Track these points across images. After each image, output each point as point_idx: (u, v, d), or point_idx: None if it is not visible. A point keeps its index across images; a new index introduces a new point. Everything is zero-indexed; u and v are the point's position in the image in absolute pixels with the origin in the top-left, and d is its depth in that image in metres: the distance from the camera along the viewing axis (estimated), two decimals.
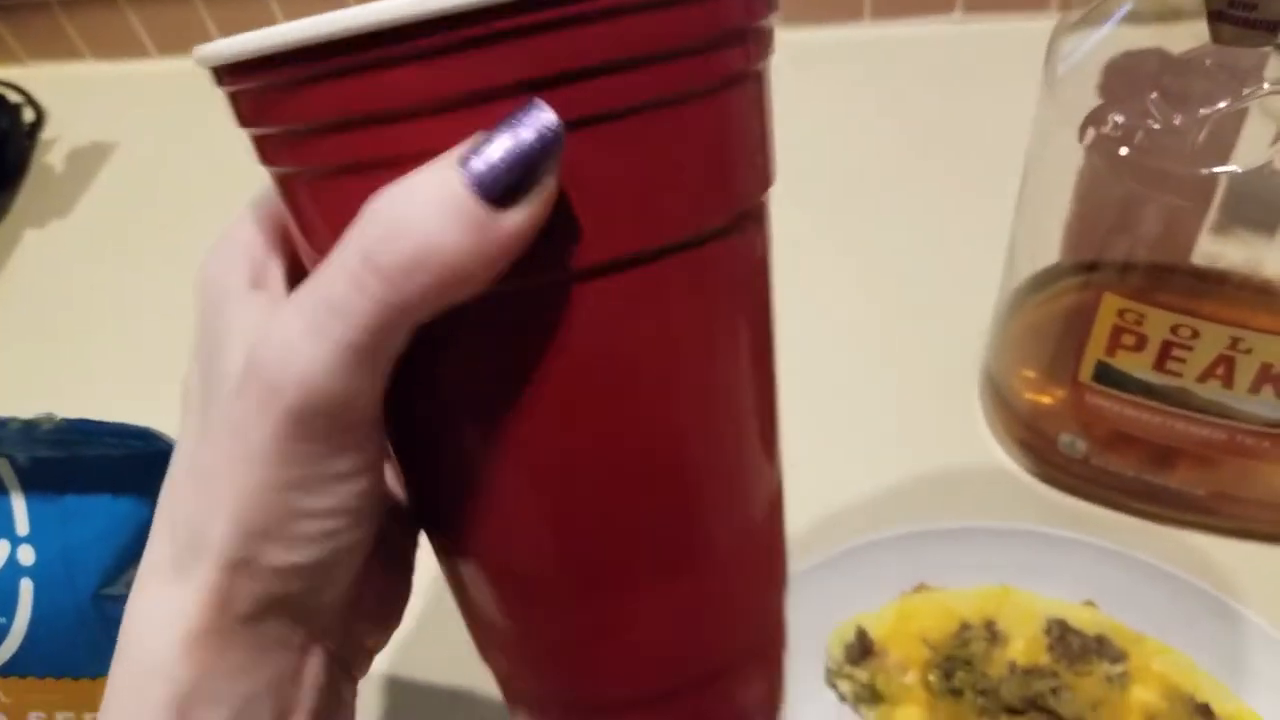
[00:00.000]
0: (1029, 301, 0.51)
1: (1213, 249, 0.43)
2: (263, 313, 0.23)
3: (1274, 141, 0.37)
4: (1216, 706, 0.43)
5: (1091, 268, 0.46)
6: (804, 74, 0.75)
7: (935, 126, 0.70)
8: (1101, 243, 0.45)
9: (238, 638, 0.23)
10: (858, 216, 0.66)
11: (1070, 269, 0.48)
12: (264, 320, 0.22)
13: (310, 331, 0.20)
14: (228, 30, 0.83)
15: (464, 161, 0.19)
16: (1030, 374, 0.51)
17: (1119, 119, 0.38)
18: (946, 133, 0.69)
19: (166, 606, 0.23)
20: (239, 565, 0.22)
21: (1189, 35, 0.38)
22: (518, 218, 0.19)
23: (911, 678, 0.45)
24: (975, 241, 0.61)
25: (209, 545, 0.22)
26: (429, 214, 0.19)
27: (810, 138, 0.71)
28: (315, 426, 0.21)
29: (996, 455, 0.54)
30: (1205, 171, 0.37)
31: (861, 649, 0.46)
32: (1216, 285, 0.43)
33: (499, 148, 0.19)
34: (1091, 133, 0.39)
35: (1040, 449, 0.51)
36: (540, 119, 0.19)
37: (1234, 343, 0.40)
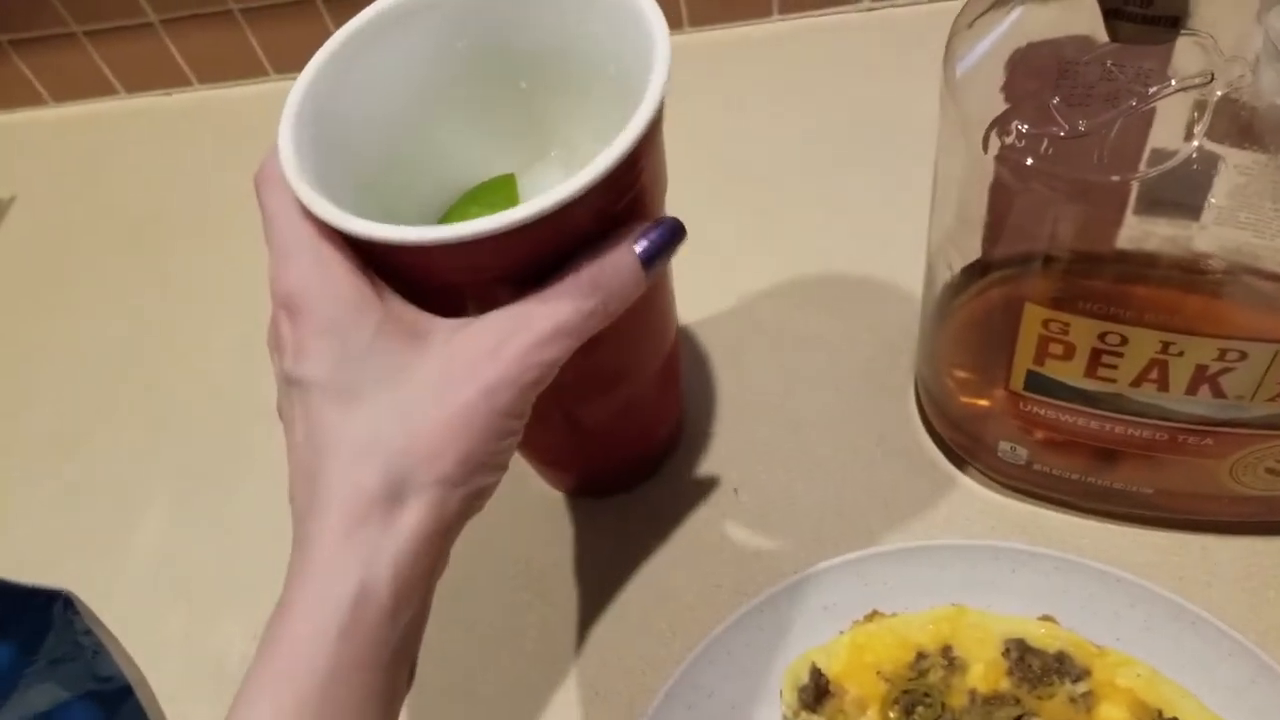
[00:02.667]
0: (955, 300, 0.47)
1: (1139, 230, 0.39)
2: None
3: (1186, 138, 0.33)
4: (1184, 718, 0.40)
5: (1015, 262, 0.43)
6: (717, 74, 0.71)
7: (852, 119, 0.66)
8: (1021, 239, 0.41)
9: (442, 542, 0.31)
10: (780, 216, 0.62)
11: (992, 265, 0.45)
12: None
13: (555, 335, 0.31)
14: (123, 76, 0.78)
15: (637, 245, 0.34)
16: (962, 377, 0.47)
17: (1022, 127, 0.34)
18: (864, 124, 0.65)
19: (382, 530, 0.29)
20: (457, 485, 0.30)
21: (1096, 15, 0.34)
22: (651, 275, 0.34)
23: (871, 716, 0.42)
24: (901, 237, 0.58)
25: (438, 473, 0.30)
26: (626, 277, 0.33)
27: (726, 137, 0.67)
28: (531, 397, 0.32)
29: (938, 461, 0.50)
30: (1115, 179, 0.33)
31: (816, 690, 0.42)
32: (1145, 270, 0.39)
33: (656, 238, 0.34)
34: (995, 142, 0.35)
35: (980, 455, 0.48)
36: (672, 225, 0.35)
37: (1165, 347, 0.37)
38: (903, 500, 0.49)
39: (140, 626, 0.51)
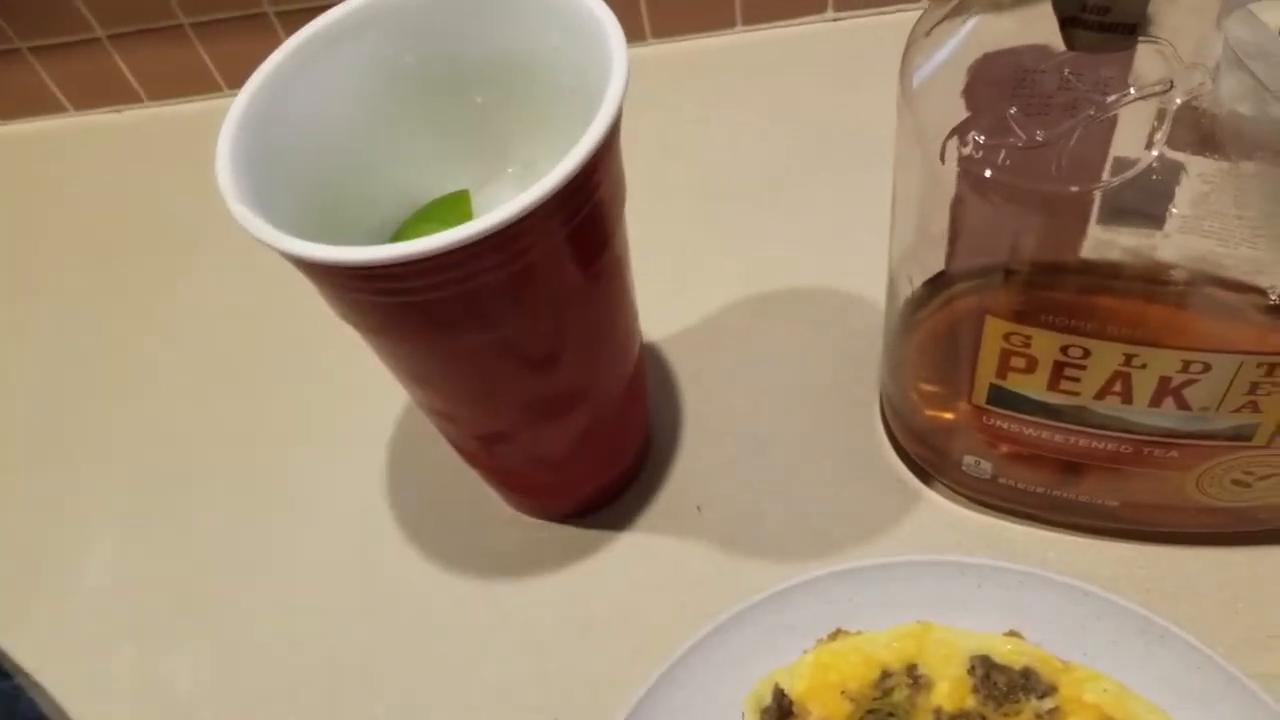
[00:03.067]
0: (918, 314, 0.46)
1: (1103, 237, 0.39)
2: None
3: (1147, 146, 0.32)
4: None
5: (977, 274, 0.42)
6: (679, 86, 0.70)
7: (818, 130, 0.65)
8: (982, 251, 0.41)
9: None
10: (743, 229, 0.61)
11: (954, 278, 0.44)
12: None
13: None
14: (72, 93, 0.76)
15: None
16: (927, 390, 0.47)
17: (979, 138, 0.34)
18: (830, 135, 0.65)
19: None
20: None
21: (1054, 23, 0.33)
22: None
23: None
24: (866, 249, 0.57)
25: None
26: None
27: (689, 149, 0.66)
28: None
29: (903, 475, 0.49)
30: (1075, 189, 0.33)
31: (779, 711, 0.41)
32: (1108, 281, 0.39)
33: None
34: (953, 152, 0.35)
35: (945, 469, 0.47)
36: None
37: (1128, 359, 0.36)
38: (868, 516, 0.48)
39: (88, 661, 0.49)
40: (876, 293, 0.55)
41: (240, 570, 0.51)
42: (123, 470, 0.57)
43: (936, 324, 0.45)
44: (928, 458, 0.48)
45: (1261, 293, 0.34)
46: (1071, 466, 0.43)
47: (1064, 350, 0.36)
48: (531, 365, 0.40)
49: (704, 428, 0.53)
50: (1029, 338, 0.37)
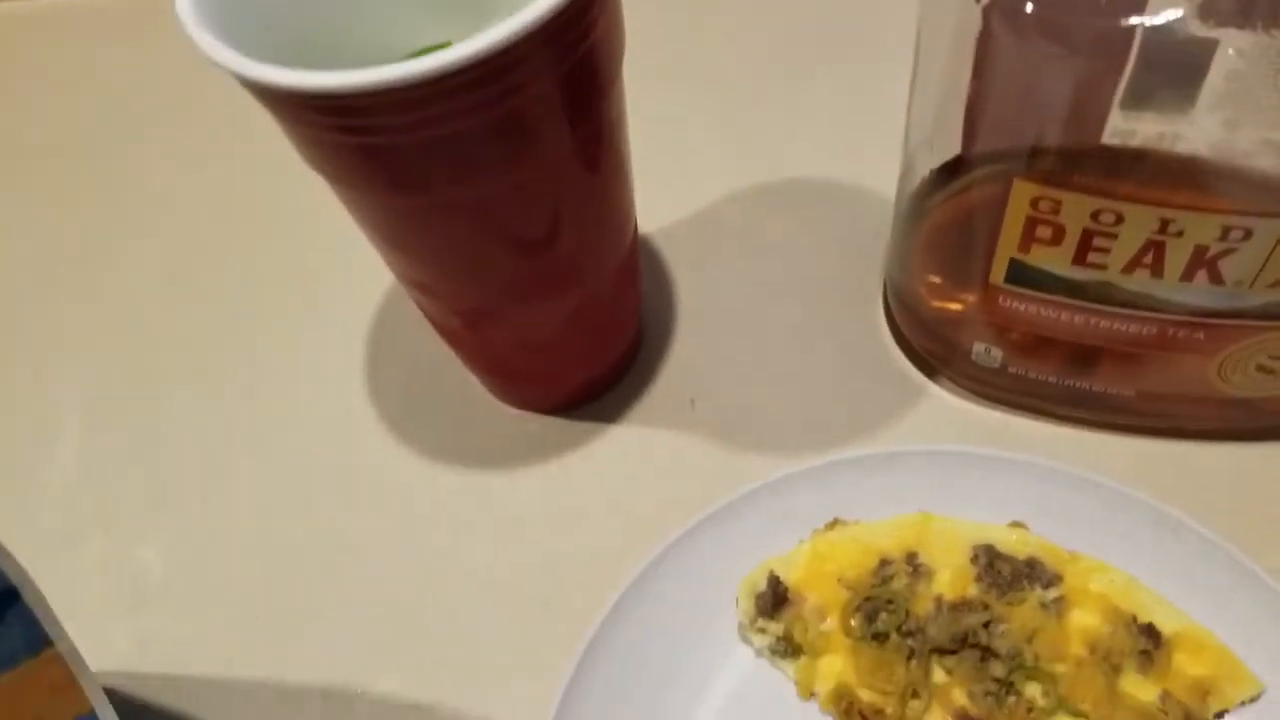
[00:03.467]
0: (930, 201, 0.43)
1: (1124, 126, 0.36)
2: None
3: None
4: (1160, 625, 0.37)
5: (997, 159, 0.39)
6: None
7: (823, 20, 0.62)
8: (1006, 125, 0.38)
9: None
10: (745, 120, 0.58)
11: (974, 161, 0.41)
12: None
13: None
14: None
15: None
16: (936, 280, 0.44)
17: None
18: (835, 25, 0.61)
19: None
20: None
21: None
22: None
23: (831, 624, 0.39)
24: (871, 142, 0.54)
25: None
26: None
27: (692, 39, 0.63)
28: None
29: (906, 369, 0.47)
30: (1120, 23, 0.30)
31: (774, 598, 0.39)
32: (1135, 164, 0.36)
33: None
34: None
35: (953, 360, 0.45)
36: None
37: (1163, 225, 0.33)
38: (869, 410, 0.46)
39: (55, 552, 0.47)
40: (881, 184, 0.52)
41: (214, 461, 0.49)
42: (91, 361, 0.54)
43: (954, 205, 0.42)
44: (934, 350, 0.45)
45: None
46: (1087, 354, 0.40)
47: (1095, 216, 0.34)
48: (517, 234, 0.37)
49: (699, 321, 0.50)
50: (1058, 203, 0.34)
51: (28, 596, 0.31)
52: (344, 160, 0.33)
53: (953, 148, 0.41)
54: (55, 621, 0.33)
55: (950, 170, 0.42)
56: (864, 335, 0.48)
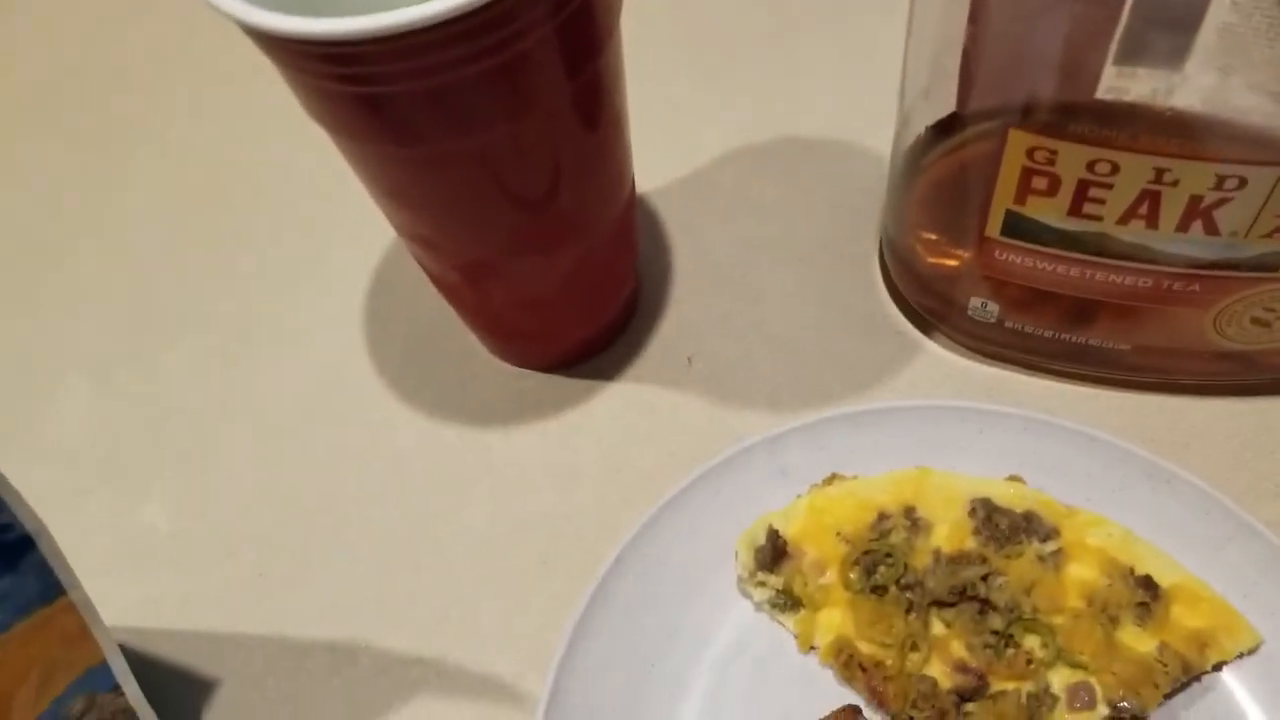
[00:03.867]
0: (926, 158, 0.43)
1: (1118, 83, 0.36)
2: None
3: None
4: (1158, 577, 0.37)
5: (992, 114, 0.39)
6: None
7: None
8: (1002, 80, 0.38)
9: None
10: (739, 79, 0.58)
11: (969, 117, 0.41)
12: None
13: None
14: None
15: None
16: (932, 236, 0.44)
17: None
18: None
19: None
20: None
21: None
22: None
23: (830, 577, 0.39)
24: (865, 100, 0.54)
25: None
26: None
27: None
28: None
29: (902, 327, 0.47)
30: None
31: (774, 552, 0.39)
32: (1129, 116, 0.36)
33: None
34: None
35: (949, 316, 0.44)
36: None
37: (1159, 175, 0.33)
38: (865, 367, 0.46)
39: (60, 509, 0.46)
40: (877, 144, 0.52)
41: (216, 419, 0.49)
42: (93, 318, 0.54)
43: (950, 162, 0.42)
44: (931, 306, 0.45)
45: None
46: (1083, 308, 0.40)
47: (1090, 166, 0.34)
48: (515, 186, 0.37)
49: (695, 280, 0.50)
50: (1054, 152, 0.34)
51: (43, 545, 0.32)
52: (344, 110, 0.33)
53: (948, 104, 0.41)
54: (69, 570, 0.33)
55: (945, 126, 0.42)
56: (860, 292, 0.48)
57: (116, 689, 0.35)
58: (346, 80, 0.31)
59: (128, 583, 0.44)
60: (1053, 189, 0.35)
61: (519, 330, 0.46)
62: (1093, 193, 0.34)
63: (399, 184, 0.37)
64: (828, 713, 0.36)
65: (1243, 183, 0.32)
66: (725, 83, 0.58)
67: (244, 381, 0.50)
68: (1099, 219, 0.35)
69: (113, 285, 0.55)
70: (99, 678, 0.35)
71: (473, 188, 0.36)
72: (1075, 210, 0.35)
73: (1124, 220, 0.35)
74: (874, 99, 0.49)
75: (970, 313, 0.43)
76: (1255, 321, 0.38)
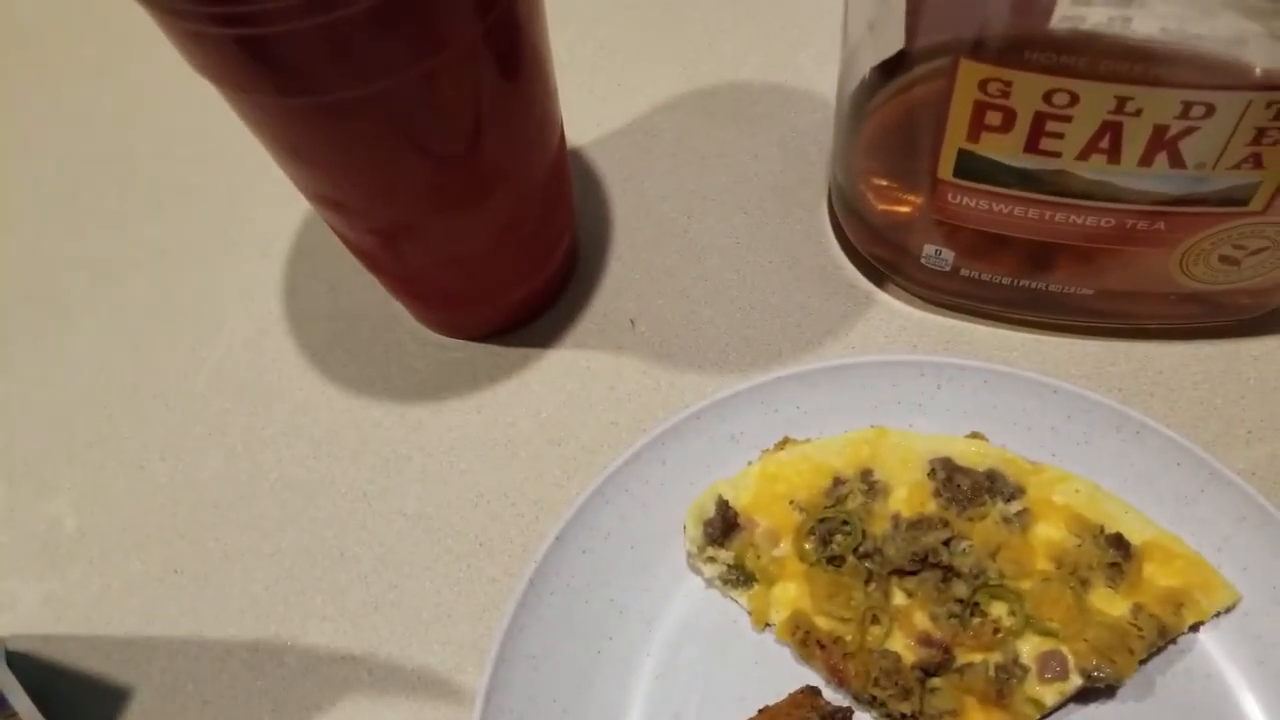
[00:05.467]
0: (873, 100, 0.40)
1: (1073, 11, 0.33)
2: None
3: None
4: (1129, 535, 0.35)
5: (941, 51, 0.36)
6: None
7: None
8: (952, 12, 0.35)
9: None
10: (679, 21, 0.54)
11: (917, 55, 0.38)
12: None
13: None
14: None
15: None
16: (882, 182, 0.41)
17: None
18: None
19: None
20: None
21: None
22: None
23: (784, 549, 0.36)
24: (810, 43, 0.51)
25: None
26: None
27: None
28: None
29: (854, 279, 0.44)
30: None
31: (724, 524, 0.36)
32: (1086, 46, 0.33)
33: None
34: None
35: (902, 266, 0.42)
36: None
37: (1120, 104, 0.30)
38: (816, 322, 0.43)
39: None
40: (821, 89, 0.49)
41: (123, 403, 0.45)
42: None
43: (899, 103, 0.39)
44: (883, 256, 0.42)
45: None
46: (1042, 252, 0.38)
47: (1048, 98, 0.31)
48: (429, 137, 0.33)
49: (637, 237, 0.47)
50: (1008, 85, 0.31)
51: None
52: (225, 58, 0.29)
53: (895, 43, 0.38)
54: None
55: (893, 66, 0.39)
56: (809, 245, 0.45)
57: (5, 707, 0.32)
58: (222, 21, 0.27)
59: (30, 584, 0.40)
60: (1008, 124, 0.32)
61: (446, 294, 0.43)
62: (1050, 126, 0.32)
63: (298, 141, 0.33)
64: (785, 695, 0.34)
65: (1210, 110, 0.30)
66: (662, 24, 0.54)
67: (154, 363, 0.46)
68: (1057, 155, 0.33)
69: (5, 256, 0.51)
70: None
71: (382, 140, 0.33)
72: (1032, 146, 0.33)
73: (1084, 155, 0.32)
74: (820, 39, 0.46)
75: (924, 261, 0.40)
76: (1224, 260, 0.36)
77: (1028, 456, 0.37)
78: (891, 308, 0.43)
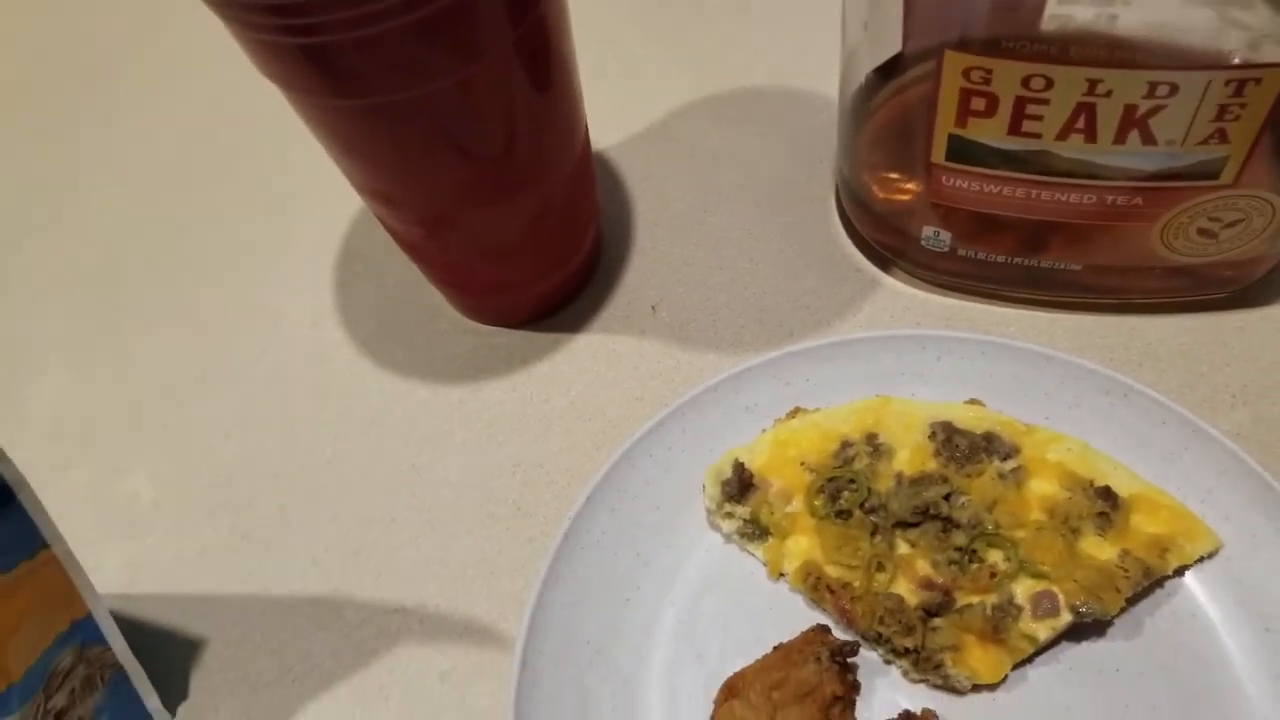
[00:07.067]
0: (873, 100, 0.43)
1: (1060, 10, 0.36)
2: None
3: None
4: (1118, 488, 0.37)
5: (934, 54, 0.39)
6: None
7: None
8: (944, 17, 0.37)
9: None
10: (692, 31, 0.58)
11: (911, 59, 0.41)
12: None
13: None
14: None
15: None
16: (883, 173, 0.44)
17: None
18: None
19: None
20: None
21: None
22: None
23: (796, 505, 0.39)
24: (816, 46, 0.54)
25: None
26: None
27: None
28: None
29: (860, 264, 0.47)
30: None
31: (740, 483, 0.39)
32: (1056, 36, 0.36)
33: None
34: None
35: (904, 250, 0.45)
36: None
37: (1092, 86, 0.33)
38: (825, 305, 0.46)
39: (46, 480, 0.46)
40: (827, 88, 0.52)
41: (192, 388, 0.49)
42: (66, 296, 0.54)
43: (893, 108, 0.42)
44: (886, 241, 0.45)
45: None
46: (1033, 231, 0.40)
47: (1025, 83, 0.34)
48: (466, 137, 0.37)
49: (656, 230, 0.50)
50: (989, 72, 0.34)
51: (24, 497, 0.32)
52: (290, 64, 0.33)
53: (891, 46, 0.41)
54: (51, 523, 0.33)
55: (889, 69, 0.42)
56: (818, 233, 0.48)
57: (104, 643, 0.35)
58: (289, 32, 0.31)
59: (113, 550, 0.44)
60: (991, 109, 0.35)
61: (484, 283, 0.46)
62: (1030, 109, 0.35)
63: (352, 139, 0.37)
64: (797, 634, 0.36)
65: (1174, 89, 0.32)
66: (677, 36, 0.58)
67: (218, 354, 0.50)
68: (1038, 136, 0.35)
69: (82, 262, 0.55)
70: (86, 631, 0.35)
71: (425, 139, 0.36)
72: (1015, 129, 0.35)
73: (1063, 135, 0.35)
74: (824, 47, 0.49)
75: (924, 243, 0.43)
76: (1202, 233, 0.38)
77: (1023, 420, 0.39)
78: (895, 289, 0.46)
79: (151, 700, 0.38)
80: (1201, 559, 0.36)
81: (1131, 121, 0.34)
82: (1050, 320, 0.43)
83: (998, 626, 0.35)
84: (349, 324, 0.49)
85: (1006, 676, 0.35)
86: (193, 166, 0.58)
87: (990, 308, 0.44)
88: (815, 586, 0.37)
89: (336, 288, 0.51)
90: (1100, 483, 0.37)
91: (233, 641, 0.41)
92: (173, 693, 0.40)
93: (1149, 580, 0.36)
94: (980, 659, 0.35)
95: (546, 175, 0.41)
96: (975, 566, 0.37)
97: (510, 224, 0.42)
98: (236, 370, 0.49)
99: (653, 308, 0.47)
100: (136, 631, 0.41)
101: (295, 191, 0.55)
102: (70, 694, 0.35)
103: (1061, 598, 0.35)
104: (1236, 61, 0.33)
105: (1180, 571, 0.36)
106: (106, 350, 0.51)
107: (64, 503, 0.45)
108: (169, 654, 0.41)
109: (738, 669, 0.36)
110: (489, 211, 0.41)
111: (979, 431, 0.39)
